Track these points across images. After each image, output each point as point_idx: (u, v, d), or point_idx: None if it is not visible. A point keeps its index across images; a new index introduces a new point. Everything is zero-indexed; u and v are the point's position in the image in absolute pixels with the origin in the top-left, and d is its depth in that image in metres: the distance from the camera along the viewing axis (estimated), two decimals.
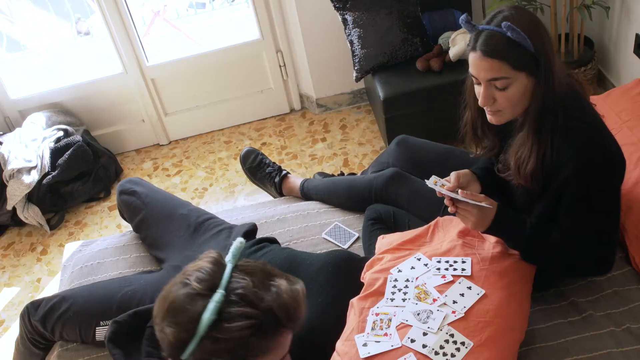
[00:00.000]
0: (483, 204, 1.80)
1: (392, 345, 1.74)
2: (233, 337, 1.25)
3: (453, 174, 1.98)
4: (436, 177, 1.94)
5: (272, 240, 2.36)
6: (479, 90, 1.85)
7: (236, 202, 3.64)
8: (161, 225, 2.44)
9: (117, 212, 3.53)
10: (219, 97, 4.15)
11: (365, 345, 1.77)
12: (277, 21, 3.87)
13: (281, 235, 2.55)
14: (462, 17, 1.82)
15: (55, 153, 3.65)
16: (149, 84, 3.99)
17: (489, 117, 1.91)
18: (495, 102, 1.83)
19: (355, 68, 3.52)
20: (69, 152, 3.66)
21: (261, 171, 2.99)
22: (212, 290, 1.28)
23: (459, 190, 1.82)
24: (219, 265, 1.34)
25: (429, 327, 1.76)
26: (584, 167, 1.77)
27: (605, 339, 1.93)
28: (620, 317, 1.99)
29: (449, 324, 1.77)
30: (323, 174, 3.26)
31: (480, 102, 1.85)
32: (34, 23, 5.28)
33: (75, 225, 3.72)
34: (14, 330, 3.13)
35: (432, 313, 1.80)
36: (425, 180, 1.93)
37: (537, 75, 1.77)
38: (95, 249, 2.64)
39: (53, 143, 3.67)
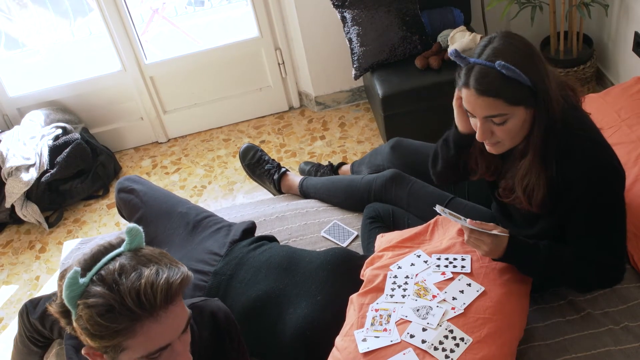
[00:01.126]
0: (495, 232, 1.77)
1: (391, 341, 1.75)
2: (85, 315, 1.27)
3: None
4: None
5: (271, 239, 2.36)
6: (474, 122, 1.80)
7: (235, 199, 3.63)
8: (160, 223, 2.44)
9: (115, 210, 3.53)
10: (218, 95, 4.15)
11: (364, 340, 1.77)
12: (276, 19, 3.86)
13: (280, 233, 2.55)
14: (451, 51, 1.76)
15: (54, 151, 3.65)
16: (148, 82, 3.98)
17: (488, 148, 1.86)
18: (493, 134, 1.78)
19: (354, 66, 3.51)
20: (67, 150, 3.66)
21: (260, 168, 2.99)
22: (85, 270, 1.31)
23: (468, 220, 1.79)
24: (105, 249, 1.36)
25: (428, 323, 1.77)
26: (595, 187, 1.75)
27: (604, 337, 1.94)
28: (619, 315, 2.00)
29: (448, 320, 1.77)
30: (309, 164, 3.27)
31: (478, 137, 1.80)
32: (32, 21, 5.27)
33: (73, 223, 3.72)
34: (13, 328, 3.13)
35: (432, 309, 1.80)
36: (435, 209, 1.89)
37: (536, 106, 1.72)
38: None
39: (52, 141, 3.67)
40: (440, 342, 1.72)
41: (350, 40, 3.48)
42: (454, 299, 1.82)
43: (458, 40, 3.32)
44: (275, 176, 2.93)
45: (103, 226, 3.65)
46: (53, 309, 1.36)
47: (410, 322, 1.78)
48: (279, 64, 4.07)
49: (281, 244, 2.42)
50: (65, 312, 1.33)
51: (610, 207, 1.80)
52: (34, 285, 3.36)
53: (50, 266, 3.46)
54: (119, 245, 1.37)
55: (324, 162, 3.60)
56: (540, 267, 1.85)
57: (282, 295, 2.05)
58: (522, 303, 1.89)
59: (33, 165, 3.53)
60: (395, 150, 2.69)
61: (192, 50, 4.06)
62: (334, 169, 3.21)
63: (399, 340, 1.75)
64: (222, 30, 5.22)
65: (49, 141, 3.66)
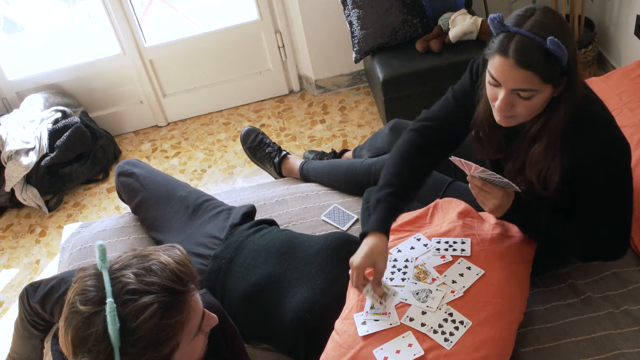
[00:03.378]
0: (512, 183, 1.74)
1: (390, 324, 1.75)
2: (147, 331, 1.24)
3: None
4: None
5: (271, 222, 2.36)
6: (494, 91, 1.72)
7: (235, 183, 3.63)
8: (160, 207, 2.44)
9: (115, 193, 3.53)
10: (218, 78, 4.14)
11: (364, 323, 1.77)
12: (275, 2, 3.84)
13: (280, 217, 2.55)
14: (495, 15, 1.65)
15: (54, 134, 3.64)
16: (147, 65, 3.97)
17: (498, 118, 1.77)
18: (513, 108, 1.71)
19: (355, 49, 3.50)
20: (67, 133, 3.65)
21: (261, 151, 2.99)
22: (101, 304, 1.25)
23: (481, 168, 1.74)
24: (96, 277, 1.30)
25: (428, 306, 1.77)
26: (605, 162, 1.73)
27: (604, 320, 1.94)
28: (619, 298, 2.00)
29: (447, 304, 1.77)
30: (313, 152, 3.26)
31: (498, 108, 1.72)
32: (31, 4, 5.24)
33: (73, 207, 3.72)
34: (13, 311, 3.14)
35: (432, 292, 1.80)
36: (450, 157, 1.84)
37: (565, 87, 1.67)
38: (94, 231, 2.64)
39: (51, 124, 3.66)
40: (440, 325, 1.73)
41: (350, 23, 3.46)
42: (453, 282, 1.82)
43: (459, 23, 3.31)
44: (276, 159, 2.93)
45: (103, 210, 3.65)
46: None
47: (410, 305, 1.79)
48: (279, 47, 4.05)
49: (281, 227, 2.42)
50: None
51: (620, 181, 1.78)
52: (34, 269, 3.37)
53: (51, 250, 3.46)
54: (95, 271, 1.31)
55: (327, 150, 3.59)
56: (541, 228, 1.86)
57: (282, 279, 2.05)
58: (522, 286, 1.89)
59: (33, 149, 3.52)
60: (394, 131, 2.68)
61: (191, 33, 4.04)
62: (336, 156, 3.21)
63: (399, 324, 1.75)
64: (222, 13, 5.20)
65: (48, 125, 3.65)
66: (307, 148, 3.74)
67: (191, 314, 1.33)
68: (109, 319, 1.22)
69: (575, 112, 1.72)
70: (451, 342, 1.69)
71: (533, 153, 1.78)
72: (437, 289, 1.81)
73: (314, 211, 2.56)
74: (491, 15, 1.65)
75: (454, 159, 1.80)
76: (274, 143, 3.02)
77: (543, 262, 2.05)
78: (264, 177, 3.44)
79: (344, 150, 3.21)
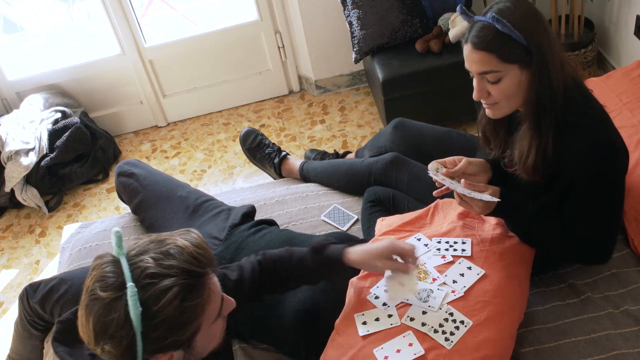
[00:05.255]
0: (486, 196, 1.76)
1: (391, 324, 1.75)
2: (169, 314, 1.25)
3: (464, 160, 1.92)
4: (437, 162, 1.91)
5: (271, 222, 2.36)
6: (473, 83, 1.82)
7: (235, 184, 3.63)
8: (160, 207, 2.44)
9: (115, 194, 3.54)
10: (218, 78, 4.14)
11: (364, 323, 1.77)
12: (275, 2, 3.84)
13: (280, 217, 2.55)
14: (458, 8, 1.80)
15: (53, 135, 3.64)
16: (147, 66, 3.97)
17: (487, 111, 1.88)
18: (489, 95, 1.80)
19: (355, 49, 3.50)
20: (67, 133, 3.65)
21: (261, 152, 2.99)
22: (121, 289, 1.24)
23: (462, 181, 1.79)
24: (114, 263, 1.29)
25: (429, 306, 1.77)
26: (595, 165, 1.75)
27: (604, 320, 1.94)
28: (619, 299, 2.00)
29: (448, 303, 1.77)
30: (315, 151, 3.25)
31: (474, 96, 1.82)
32: (31, 4, 5.24)
33: (73, 207, 3.72)
34: (13, 312, 3.14)
35: (433, 292, 1.80)
36: (428, 172, 1.90)
37: (531, 68, 1.73)
38: (94, 231, 2.64)
39: (51, 125, 3.66)
40: (440, 325, 1.73)
41: (350, 23, 3.46)
42: (454, 282, 1.82)
43: (459, 23, 3.31)
44: (276, 160, 2.93)
45: (103, 210, 3.65)
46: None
47: (411, 305, 1.79)
48: (278, 47, 4.05)
49: (281, 228, 2.42)
50: (128, 347, 1.26)
51: (608, 185, 1.80)
52: (34, 270, 3.36)
53: (50, 250, 3.46)
54: (112, 257, 1.31)
55: (329, 150, 3.60)
56: (525, 226, 1.89)
57: None
58: (523, 286, 1.89)
59: (32, 149, 3.52)
60: (397, 130, 2.69)
61: (191, 33, 4.04)
62: (339, 157, 3.20)
63: (399, 324, 1.75)
64: (222, 13, 5.20)
65: (48, 125, 3.65)
66: (306, 148, 3.74)
67: (211, 297, 1.34)
68: (130, 303, 1.21)
69: (569, 111, 1.76)
70: (452, 341, 1.69)
71: (519, 133, 1.85)
72: (438, 289, 1.81)
73: (314, 211, 2.56)
74: (458, 7, 1.79)
75: (432, 174, 1.87)
76: (274, 144, 3.01)
77: (543, 262, 2.05)
78: (264, 177, 3.44)
79: (347, 152, 3.21)
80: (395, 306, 1.80)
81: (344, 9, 3.47)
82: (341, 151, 3.28)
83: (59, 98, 3.87)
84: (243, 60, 4.10)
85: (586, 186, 1.78)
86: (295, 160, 2.90)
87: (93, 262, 1.33)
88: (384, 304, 1.81)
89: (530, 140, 1.80)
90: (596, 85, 2.55)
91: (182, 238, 1.33)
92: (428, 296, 1.80)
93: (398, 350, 1.69)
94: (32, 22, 5.20)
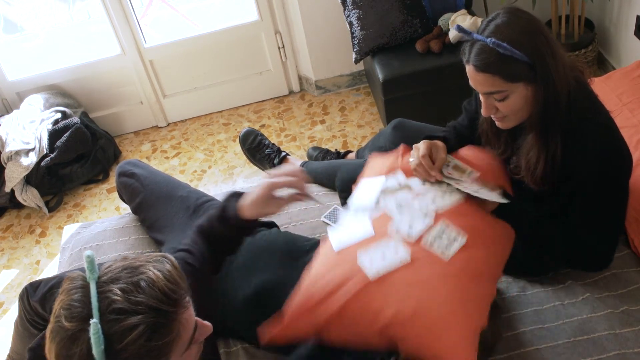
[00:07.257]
0: (494, 194, 1.77)
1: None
2: (133, 352, 1.18)
3: (422, 144, 1.92)
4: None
5: (271, 224, 2.36)
6: (480, 98, 1.82)
7: (235, 184, 3.63)
8: (160, 207, 2.44)
9: (115, 194, 3.54)
10: (218, 79, 4.14)
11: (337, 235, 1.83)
12: (276, 2, 3.84)
13: (280, 217, 2.55)
14: (455, 26, 1.79)
15: (54, 135, 3.64)
16: (147, 66, 3.97)
17: (497, 123, 1.88)
18: (498, 110, 1.80)
19: (355, 50, 3.50)
20: (67, 134, 3.65)
21: (260, 152, 2.99)
22: (87, 320, 1.18)
23: (472, 176, 1.81)
24: (83, 289, 1.23)
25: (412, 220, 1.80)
26: (601, 172, 1.75)
27: (604, 320, 1.94)
28: (619, 299, 2.00)
29: (445, 215, 1.81)
30: (317, 149, 3.25)
31: (482, 113, 1.82)
32: (31, 4, 5.24)
33: (73, 207, 3.72)
34: (13, 312, 3.14)
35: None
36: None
37: (536, 83, 1.72)
38: (94, 231, 2.64)
39: (51, 125, 3.66)
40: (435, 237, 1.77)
41: (350, 23, 3.46)
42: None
43: (459, 23, 3.31)
44: (276, 160, 2.93)
45: (103, 210, 3.65)
46: None
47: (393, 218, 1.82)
48: (279, 47, 4.05)
49: (281, 229, 2.42)
50: None
51: (612, 193, 1.80)
52: (35, 270, 3.37)
53: (51, 250, 3.46)
54: (83, 281, 1.25)
55: (332, 149, 3.60)
56: (525, 228, 1.90)
57: (283, 284, 2.04)
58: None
59: (33, 149, 3.53)
60: (397, 130, 2.69)
61: (191, 34, 4.04)
62: (340, 157, 3.20)
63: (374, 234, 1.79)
64: (222, 13, 5.20)
65: (48, 125, 3.65)
66: (307, 148, 3.73)
67: (181, 332, 1.26)
68: (93, 340, 1.16)
69: (575, 117, 1.76)
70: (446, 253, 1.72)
71: (526, 142, 1.85)
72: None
73: (314, 212, 2.56)
74: (454, 26, 1.75)
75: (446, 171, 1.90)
76: (274, 144, 3.01)
77: (543, 263, 2.06)
78: None
79: (348, 152, 3.21)
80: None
81: (344, 9, 3.47)
82: (342, 151, 3.27)
83: (59, 98, 3.87)
84: (243, 60, 4.10)
85: (592, 192, 1.78)
86: (296, 161, 2.90)
87: (63, 284, 1.27)
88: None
89: (538, 151, 1.80)
90: (596, 86, 2.52)
91: (155, 269, 1.25)
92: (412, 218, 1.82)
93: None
94: (32, 22, 5.21)
